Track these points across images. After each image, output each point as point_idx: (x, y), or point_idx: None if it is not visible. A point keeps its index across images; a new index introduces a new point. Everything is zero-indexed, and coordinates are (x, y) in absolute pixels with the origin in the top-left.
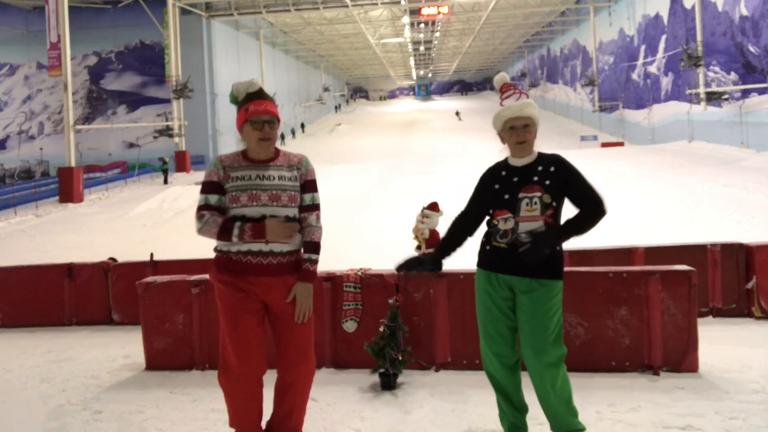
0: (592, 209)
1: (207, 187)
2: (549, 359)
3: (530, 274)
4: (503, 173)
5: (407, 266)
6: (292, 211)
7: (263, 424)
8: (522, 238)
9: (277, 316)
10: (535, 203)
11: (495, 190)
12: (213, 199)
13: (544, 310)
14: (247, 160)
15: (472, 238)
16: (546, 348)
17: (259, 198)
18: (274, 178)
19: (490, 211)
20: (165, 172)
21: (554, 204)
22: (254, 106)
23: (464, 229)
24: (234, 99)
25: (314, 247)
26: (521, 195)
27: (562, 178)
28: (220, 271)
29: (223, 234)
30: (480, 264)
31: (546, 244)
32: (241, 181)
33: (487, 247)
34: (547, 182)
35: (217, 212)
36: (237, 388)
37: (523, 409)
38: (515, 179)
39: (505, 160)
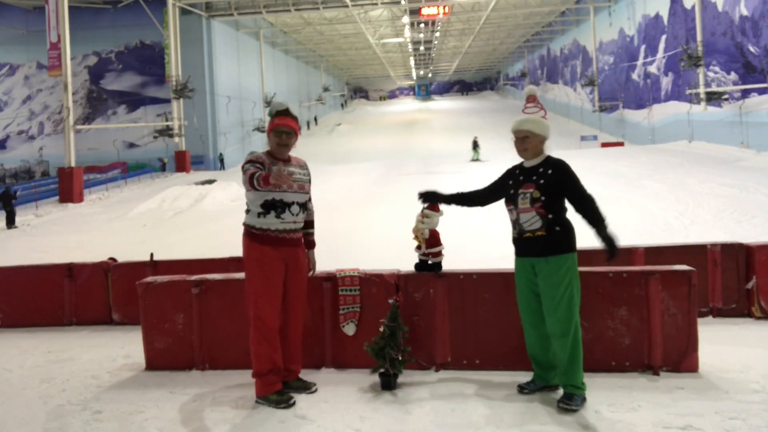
0: (587, 207)
1: (256, 164)
2: (557, 322)
3: (538, 255)
4: (516, 172)
5: (426, 196)
6: (307, 197)
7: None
8: (525, 227)
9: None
10: (526, 197)
11: (507, 186)
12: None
13: (552, 283)
14: (273, 158)
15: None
16: (553, 313)
17: (291, 186)
18: (294, 173)
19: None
20: (222, 160)
21: (543, 198)
22: (278, 120)
23: (474, 198)
24: (269, 113)
25: (313, 224)
26: (520, 191)
27: (557, 180)
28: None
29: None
30: (515, 251)
31: (613, 248)
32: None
33: (513, 237)
34: (542, 181)
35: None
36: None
37: (548, 367)
38: (521, 178)
39: (522, 161)
